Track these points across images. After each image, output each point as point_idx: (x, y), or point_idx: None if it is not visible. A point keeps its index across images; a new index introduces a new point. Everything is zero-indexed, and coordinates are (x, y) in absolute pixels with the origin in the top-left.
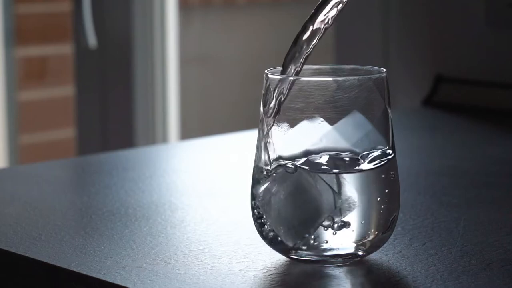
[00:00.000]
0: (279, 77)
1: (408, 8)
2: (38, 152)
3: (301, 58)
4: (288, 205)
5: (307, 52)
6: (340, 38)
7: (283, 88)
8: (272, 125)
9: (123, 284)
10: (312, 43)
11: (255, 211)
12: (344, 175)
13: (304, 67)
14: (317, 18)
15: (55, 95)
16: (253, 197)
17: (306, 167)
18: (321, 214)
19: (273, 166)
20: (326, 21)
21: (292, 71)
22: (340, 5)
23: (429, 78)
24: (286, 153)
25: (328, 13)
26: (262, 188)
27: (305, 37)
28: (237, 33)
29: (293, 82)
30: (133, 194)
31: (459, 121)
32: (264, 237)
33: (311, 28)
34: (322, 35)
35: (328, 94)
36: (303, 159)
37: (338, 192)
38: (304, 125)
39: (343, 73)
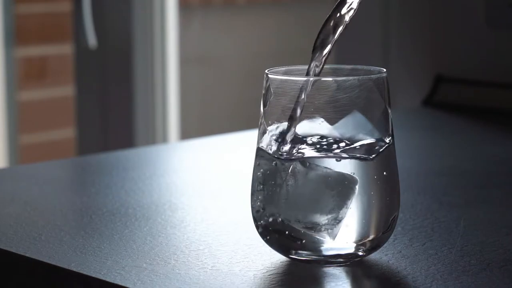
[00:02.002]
0: (279, 77)
1: (408, 8)
2: (38, 152)
3: (329, 45)
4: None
5: (333, 39)
6: (340, 38)
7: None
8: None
9: (123, 284)
10: (339, 30)
11: (261, 206)
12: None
13: (304, 67)
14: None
15: (55, 95)
16: (258, 193)
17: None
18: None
19: (276, 163)
20: (350, 8)
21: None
22: None
23: (429, 78)
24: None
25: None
26: (272, 184)
27: (331, 24)
28: (237, 33)
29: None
30: (133, 194)
31: (459, 121)
32: (267, 234)
33: (337, 15)
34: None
35: (328, 94)
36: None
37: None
38: (304, 125)
39: (343, 73)
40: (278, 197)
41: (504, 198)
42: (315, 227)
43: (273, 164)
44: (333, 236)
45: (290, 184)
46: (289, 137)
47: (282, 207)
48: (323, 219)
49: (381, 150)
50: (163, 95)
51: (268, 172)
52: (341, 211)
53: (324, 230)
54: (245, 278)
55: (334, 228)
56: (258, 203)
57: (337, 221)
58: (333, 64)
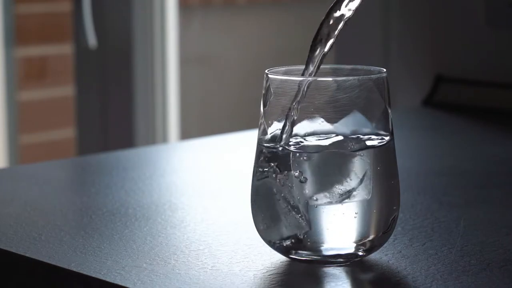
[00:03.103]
0: (279, 77)
1: (409, 8)
2: (38, 152)
3: (328, 44)
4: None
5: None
6: (340, 38)
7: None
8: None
9: (123, 284)
10: (338, 29)
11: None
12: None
13: (304, 67)
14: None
15: (55, 95)
16: (266, 190)
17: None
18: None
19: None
20: (348, 8)
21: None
22: None
23: (429, 78)
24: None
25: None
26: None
27: (328, 24)
28: (237, 33)
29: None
30: (133, 194)
31: (459, 121)
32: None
33: (334, 15)
34: (344, 23)
35: (328, 94)
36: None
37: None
38: (304, 125)
39: (343, 73)
40: (294, 189)
41: (504, 198)
42: (352, 194)
43: (280, 157)
44: (368, 194)
45: (311, 172)
46: (287, 135)
47: (311, 193)
48: (355, 183)
49: (381, 150)
50: (163, 95)
51: (275, 167)
52: (365, 170)
53: (358, 191)
54: (245, 278)
55: (366, 188)
56: (262, 202)
57: (367, 180)
58: (333, 64)
